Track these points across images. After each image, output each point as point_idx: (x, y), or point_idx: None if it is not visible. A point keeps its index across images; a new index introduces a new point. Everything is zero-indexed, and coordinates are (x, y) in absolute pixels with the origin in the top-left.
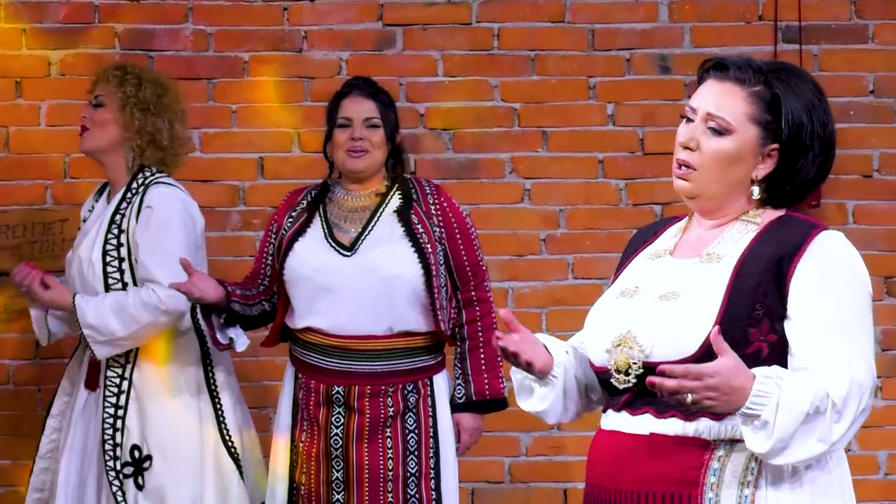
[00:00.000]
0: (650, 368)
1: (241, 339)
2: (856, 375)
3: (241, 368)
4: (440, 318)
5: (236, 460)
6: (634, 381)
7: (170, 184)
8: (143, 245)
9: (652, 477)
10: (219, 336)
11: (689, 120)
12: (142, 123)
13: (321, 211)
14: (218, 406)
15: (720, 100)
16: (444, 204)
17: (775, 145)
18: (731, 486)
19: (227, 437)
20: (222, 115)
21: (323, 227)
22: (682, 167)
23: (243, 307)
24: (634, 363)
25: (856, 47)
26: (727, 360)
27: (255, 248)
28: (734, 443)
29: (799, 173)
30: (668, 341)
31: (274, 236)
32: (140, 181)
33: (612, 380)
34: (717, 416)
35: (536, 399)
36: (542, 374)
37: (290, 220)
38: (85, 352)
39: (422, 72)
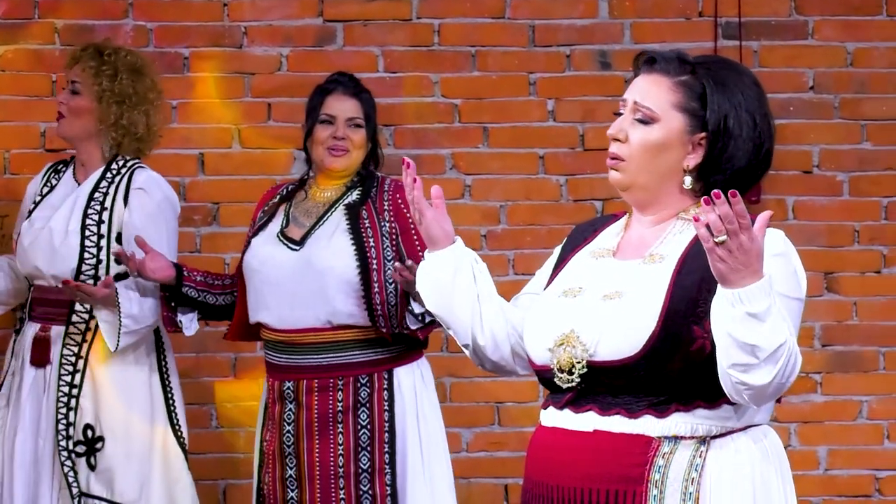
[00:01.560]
0: (594, 368)
1: (190, 325)
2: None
3: (183, 364)
4: (377, 313)
5: (183, 447)
6: (578, 380)
7: (150, 169)
8: (141, 226)
9: (596, 474)
10: (176, 318)
11: (622, 115)
12: (118, 117)
13: (288, 206)
14: (168, 391)
15: (646, 90)
16: (399, 200)
17: (703, 134)
18: (676, 483)
19: (176, 423)
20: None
21: (281, 222)
22: (613, 159)
23: (202, 293)
24: (578, 362)
25: (795, 43)
26: (762, 242)
27: (195, 244)
28: (678, 440)
29: (728, 163)
30: (613, 340)
31: (250, 231)
32: (119, 164)
33: (555, 379)
34: (661, 413)
35: (426, 275)
36: (432, 240)
37: (262, 214)
38: (30, 328)
39: (362, 68)
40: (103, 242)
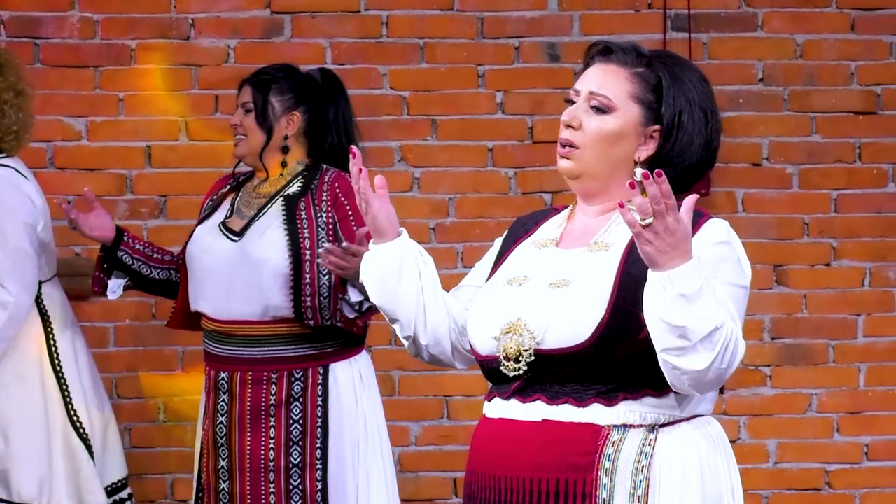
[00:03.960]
0: (542, 356)
1: (116, 290)
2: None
3: (129, 358)
4: (305, 304)
5: (85, 440)
6: (525, 367)
7: (4, 164)
8: None
9: (545, 463)
10: (108, 282)
11: (573, 103)
12: None
13: (234, 197)
14: (63, 383)
15: (603, 79)
16: (337, 189)
17: (657, 126)
18: (626, 471)
19: (75, 416)
20: (109, 103)
21: (226, 213)
22: (565, 147)
23: (137, 262)
24: (526, 350)
25: (745, 35)
26: (688, 223)
27: (142, 237)
28: (627, 428)
29: (680, 157)
30: (561, 328)
31: (197, 219)
32: None
33: (501, 367)
34: (609, 401)
35: (371, 265)
36: (379, 231)
37: (210, 202)
38: None
39: (310, 60)
40: None
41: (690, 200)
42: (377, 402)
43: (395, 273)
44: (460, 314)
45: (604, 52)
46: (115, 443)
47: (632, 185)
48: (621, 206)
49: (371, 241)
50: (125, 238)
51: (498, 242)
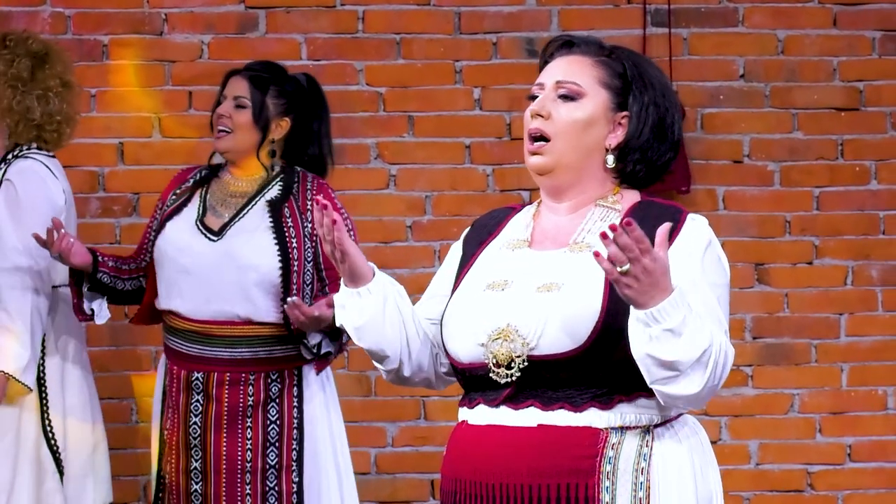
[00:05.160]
0: (535, 362)
1: (101, 313)
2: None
3: (101, 358)
4: None
5: (55, 454)
6: (518, 374)
7: (36, 158)
8: (1, 218)
9: (544, 469)
10: (85, 305)
11: (537, 98)
12: (10, 102)
13: (203, 192)
14: (43, 395)
15: (568, 68)
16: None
17: (625, 113)
18: (627, 473)
19: (49, 430)
20: (81, 99)
21: (198, 210)
22: (536, 141)
23: (113, 279)
24: (518, 356)
25: (725, 31)
26: (665, 258)
27: (115, 235)
28: (625, 430)
29: (647, 144)
30: (554, 333)
31: (158, 212)
32: (16, 152)
33: (490, 374)
34: (605, 404)
35: (355, 311)
36: (355, 276)
37: (174, 198)
38: None
39: (285, 55)
40: None
41: (664, 232)
42: (338, 403)
43: (379, 313)
44: (430, 329)
45: (564, 45)
46: (102, 465)
47: (604, 236)
48: (597, 255)
49: (344, 284)
50: (100, 259)
51: (457, 248)
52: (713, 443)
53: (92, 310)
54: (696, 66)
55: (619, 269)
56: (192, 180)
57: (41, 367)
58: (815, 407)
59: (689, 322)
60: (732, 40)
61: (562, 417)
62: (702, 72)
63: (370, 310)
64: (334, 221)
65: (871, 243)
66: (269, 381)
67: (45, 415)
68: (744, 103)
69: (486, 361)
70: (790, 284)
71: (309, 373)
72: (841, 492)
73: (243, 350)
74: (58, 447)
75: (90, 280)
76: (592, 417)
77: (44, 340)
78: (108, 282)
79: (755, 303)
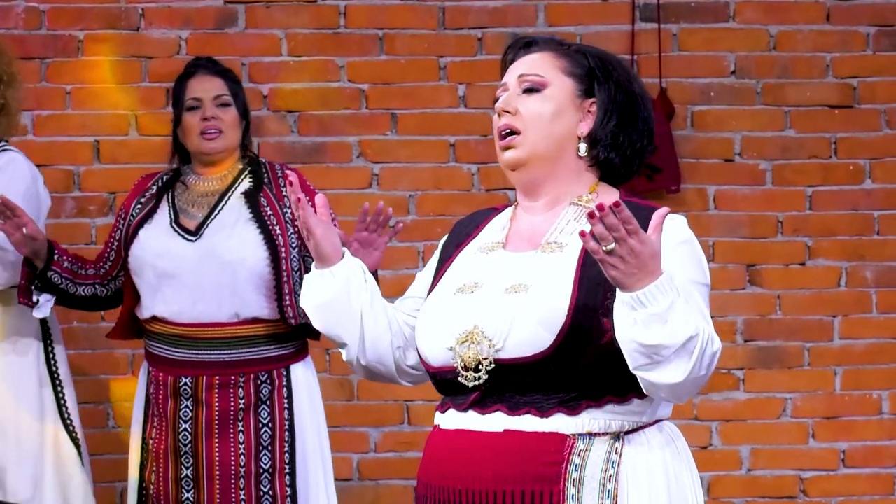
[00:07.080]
0: (502, 365)
1: (43, 308)
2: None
3: (77, 361)
4: (286, 303)
5: (76, 443)
6: (486, 377)
7: (19, 152)
8: None
9: (510, 475)
10: (33, 294)
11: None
12: None
13: (169, 196)
14: (58, 385)
15: (530, 63)
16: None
17: (593, 100)
18: (594, 481)
19: (68, 418)
20: (56, 96)
21: (169, 213)
22: (507, 136)
23: (65, 281)
24: (485, 359)
25: (716, 26)
26: (656, 241)
27: (90, 235)
28: (593, 436)
29: (617, 128)
30: (521, 336)
31: (122, 222)
32: None
33: (459, 378)
34: (572, 410)
35: (316, 292)
36: (322, 257)
37: (139, 206)
38: None
39: (265, 51)
40: None
41: (660, 216)
42: (321, 403)
43: (344, 298)
44: (405, 327)
45: (525, 46)
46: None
47: (591, 215)
48: (583, 234)
49: (314, 265)
50: (55, 256)
51: (438, 250)
52: (703, 448)
53: (37, 300)
54: (686, 62)
55: (604, 247)
56: (154, 187)
57: (52, 359)
58: (808, 411)
59: (677, 307)
60: (723, 36)
61: (528, 423)
62: (692, 68)
63: (329, 293)
64: (299, 199)
65: (866, 244)
66: (259, 382)
67: (63, 404)
68: (735, 100)
69: (455, 365)
70: (782, 286)
71: (297, 373)
72: (834, 498)
73: (232, 351)
74: (79, 439)
75: (40, 277)
76: (559, 423)
77: (50, 333)
78: (59, 282)
79: (747, 305)
